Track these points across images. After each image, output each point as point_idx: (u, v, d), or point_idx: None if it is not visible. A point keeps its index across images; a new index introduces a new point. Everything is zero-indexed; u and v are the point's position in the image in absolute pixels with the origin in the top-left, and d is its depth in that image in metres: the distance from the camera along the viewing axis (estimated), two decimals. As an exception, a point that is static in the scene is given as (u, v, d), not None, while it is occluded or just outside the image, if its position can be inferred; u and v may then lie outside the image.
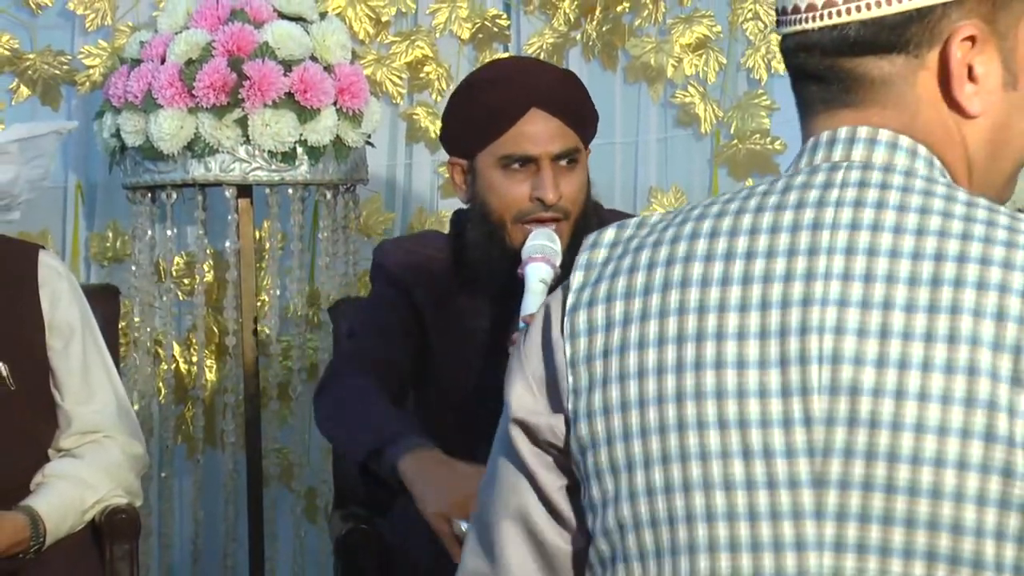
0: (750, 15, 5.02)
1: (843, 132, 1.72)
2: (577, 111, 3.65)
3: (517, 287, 3.42)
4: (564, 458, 1.73)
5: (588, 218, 3.62)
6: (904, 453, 1.59)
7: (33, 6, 4.87)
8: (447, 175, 4.84)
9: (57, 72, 4.88)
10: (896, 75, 1.71)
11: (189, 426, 4.80)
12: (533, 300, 3.35)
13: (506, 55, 4.86)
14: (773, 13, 4.79)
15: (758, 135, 5.01)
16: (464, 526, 3.23)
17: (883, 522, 1.60)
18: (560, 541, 1.76)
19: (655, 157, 5.04)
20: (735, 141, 5.01)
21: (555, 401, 1.73)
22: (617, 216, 3.76)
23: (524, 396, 1.76)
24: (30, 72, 4.86)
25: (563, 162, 3.59)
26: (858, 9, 1.70)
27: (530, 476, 1.75)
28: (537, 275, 3.40)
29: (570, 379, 1.71)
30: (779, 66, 4.98)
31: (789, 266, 1.65)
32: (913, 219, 1.64)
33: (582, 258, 1.75)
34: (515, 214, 3.56)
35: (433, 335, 3.71)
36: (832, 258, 1.64)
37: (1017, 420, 1.58)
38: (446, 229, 4.54)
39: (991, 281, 1.60)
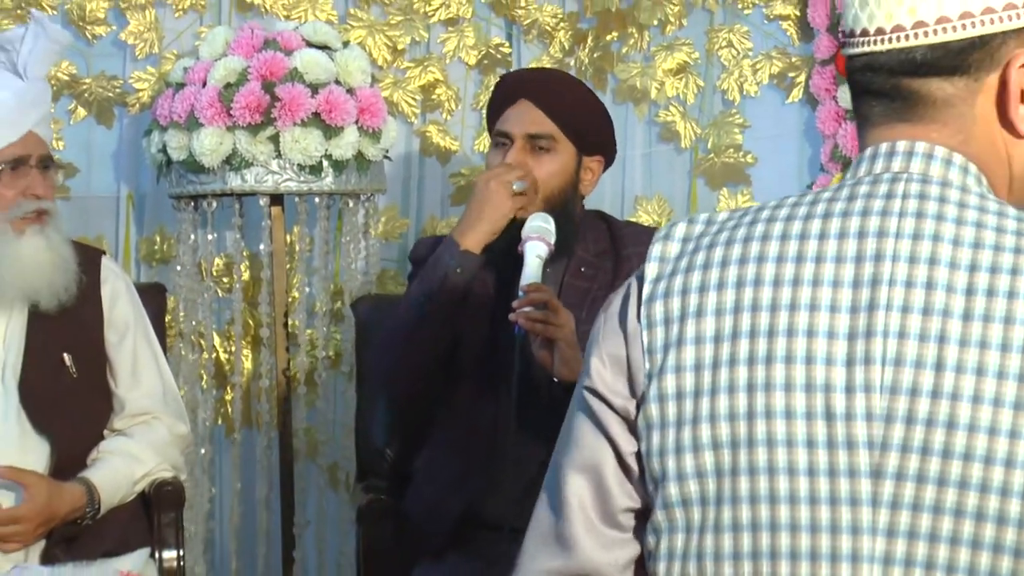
0: (724, 43, 5.00)
1: (901, 145, 1.72)
2: (560, 107, 3.69)
3: (515, 258, 3.46)
4: (634, 430, 1.73)
5: (568, 206, 3.68)
6: (957, 450, 1.59)
7: (89, 36, 4.87)
8: (456, 186, 4.90)
9: (110, 95, 4.88)
10: (957, 96, 1.71)
11: (228, 408, 4.81)
12: (531, 272, 3.41)
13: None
14: (746, 42, 4.85)
15: (732, 149, 4.99)
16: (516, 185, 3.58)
17: (933, 512, 1.60)
18: (627, 500, 1.75)
19: (640, 169, 5.03)
20: (711, 155, 5.00)
21: (630, 383, 1.72)
22: (633, 228, 3.82)
23: (602, 371, 1.75)
24: (86, 95, 4.86)
25: (534, 144, 3.66)
26: (925, 35, 1.70)
27: (610, 439, 1.74)
28: (534, 252, 3.44)
29: (647, 364, 1.70)
30: (751, 89, 4.98)
31: (857, 271, 1.65)
32: (970, 232, 1.64)
33: (655, 250, 1.74)
34: None
35: (459, 316, 3.73)
36: (896, 265, 1.64)
37: None
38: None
39: None
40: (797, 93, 4.99)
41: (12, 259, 3.73)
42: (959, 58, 1.70)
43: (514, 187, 3.54)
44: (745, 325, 1.67)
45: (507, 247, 3.56)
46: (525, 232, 3.48)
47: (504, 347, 3.52)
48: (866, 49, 1.74)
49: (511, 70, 4.78)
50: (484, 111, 4.00)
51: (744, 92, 5.00)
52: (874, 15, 1.73)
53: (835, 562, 1.62)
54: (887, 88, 1.73)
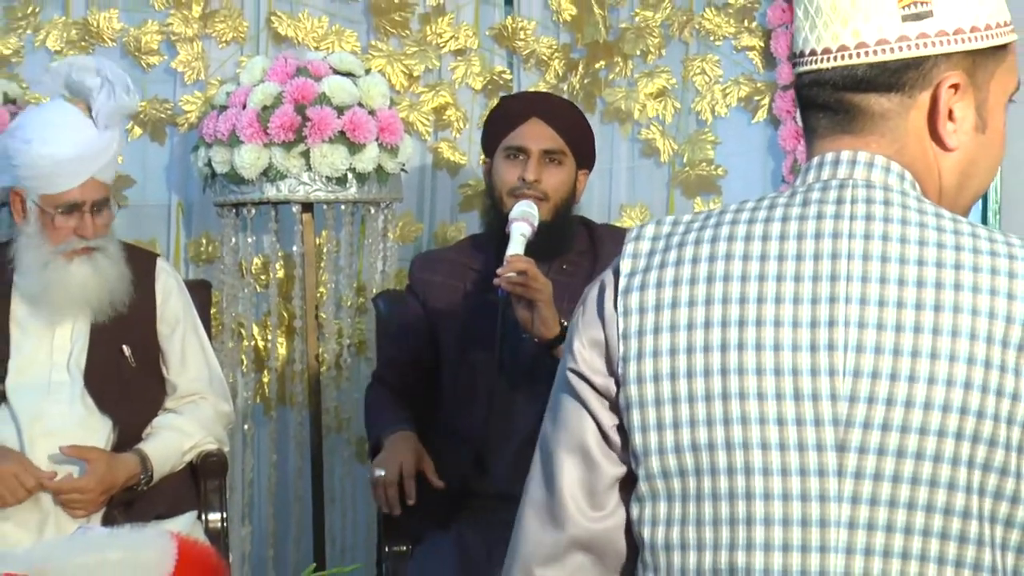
0: (698, 71, 5.00)
1: (845, 155, 1.71)
2: (567, 127, 3.76)
3: (507, 242, 3.52)
4: (615, 407, 1.71)
5: (569, 211, 3.76)
6: (913, 425, 1.59)
7: (144, 65, 4.86)
8: (463, 195, 4.90)
9: (162, 116, 4.87)
10: (892, 110, 1.71)
11: (265, 389, 4.80)
12: (514, 247, 3.48)
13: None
14: (717, 69, 4.85)
15: (705, 163, 4.99)
16: (377, 472, 3.60)
17: (893, 480, 1.60)
18: (613, 469, 1.73)
19: (625, 180, 5.02)
20: (687, 168, 5.00)
21: (608, 364, 1.71)
22: (611, 229, 3.86)
23: (583, 352, 1.73)
24: (142, 116, 4.85)
25: (549, 158, 3.71)
26: (866, 54, 1.69)
27: (593, 415, 1.73)
28: (519, 231, 3.51)
29: (622, 348, 1.69)
30: (721, 110, 4.99)
31: (816, 268, 1.65)
32: (914, 232, 1.64)
33: (628, 248, 1.73)
34: (508, 189, 3.70)
35: (439, 320, 3.80)
36: (852, 262, 1.63)
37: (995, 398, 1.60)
38: (463, 236, 4.61)
39: (980, 285, 1.61)
40: (762, 114, 5.00)
41: (61, 284, 3.77)
42: (895, 76, 1.70)
43: (524, 234, 3.54)
44: (717, 315, 1.66)
45: (501, 227, 3.61)
46: (512, 214, 3.55)
47: (488, 315, 3.62)
48: (814, 67, 1.73)
49: (511, 93, 4.76)
50: (483, 128, 3.99)
51: (715, 113, 5.01)
52: (821, 37, 1.72)
53: (806, 527, 1.62)
54: (831, 101, 1.73)
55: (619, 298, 1.71)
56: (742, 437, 1.64)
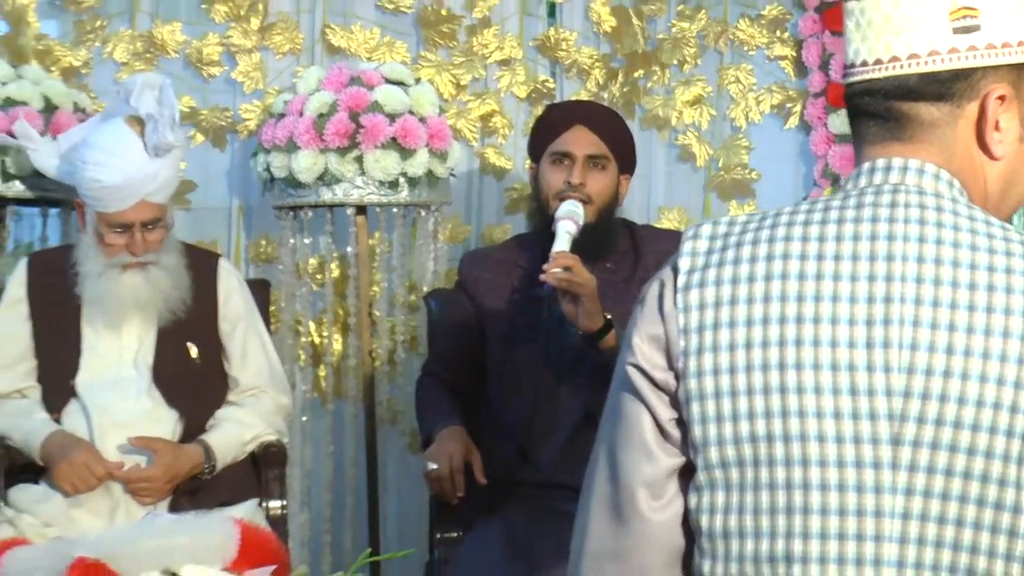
0: (733, 79, 4.99)
1: (897, 161, 1.71)
2: (610, 133, 3.75)
3: (552, 241, 3.52)
4: (674, 401, 1.70)
5: (612, 214, 3.76)
6: (966, 422, 1.59)
7: (206, 75, 4.87)
8: (509, 198, 4.89)
9: (223, 123, 4.88)
10: (941, 119, 1.70)
11: (322, 383, 4.80)
12: (560, 244, 3.48)
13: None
14: (751, 78, 4.84)
15: (739, 168, 4.98)
16: (430, 465, 3.61)
17: (945, 474, 1.59)
18: (669, 460, 1.72)
19: (663, 184, 5.01)
20: (722, 172, 4.98)
21: (667, 358, 1.70)
22: (651, 230, 3.86)
23: (642, 347, 1.72)
24: (203, 123, 4.87)
25: (593, 163, 3.71)
26: (917, 64, 1.69)
27: (650, 409, 1.71)
28: (565, 228, 3.51)
29: (682, 343, 1.68)
30: (755, 117, 4.98)
31: (872, 268, 1.64)
32: (965, 236, 1.64)
33: (686, 246, 1.72)
34: (554, 192, 3.69)
35: (487, 316, 3.80)
36: (906, 264, 1.63)
37: None
38: (509, 237, 4.61)
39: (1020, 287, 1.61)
40: (793, 120, 4.98)
41: (114, 294, 3.79)
42: (944, 87, 1.69)
43: (570, 232, 3.52)
44: (775, 312, 1.65)
45: (547, 228, 3.61)
46: (558, 214, 3.55)
47: (533, 308, 3.66)
48: (865, 77, 1.73)
49: (556, 101, 4.75)
50: (530, 134, 3.96)
51: (749, 120, 5.00)
52: (873, 48, 1.72)
53: (861, 516, 1.61)
54: (882, 110, 1.72)
55: (679, 295, 1.70)
56: (799, 429, 1.62)
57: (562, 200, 3.61)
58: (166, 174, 3.74)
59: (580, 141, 3.70)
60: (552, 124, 3.78)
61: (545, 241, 3.59)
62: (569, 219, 3.52)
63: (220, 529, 3.03)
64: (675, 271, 1.72)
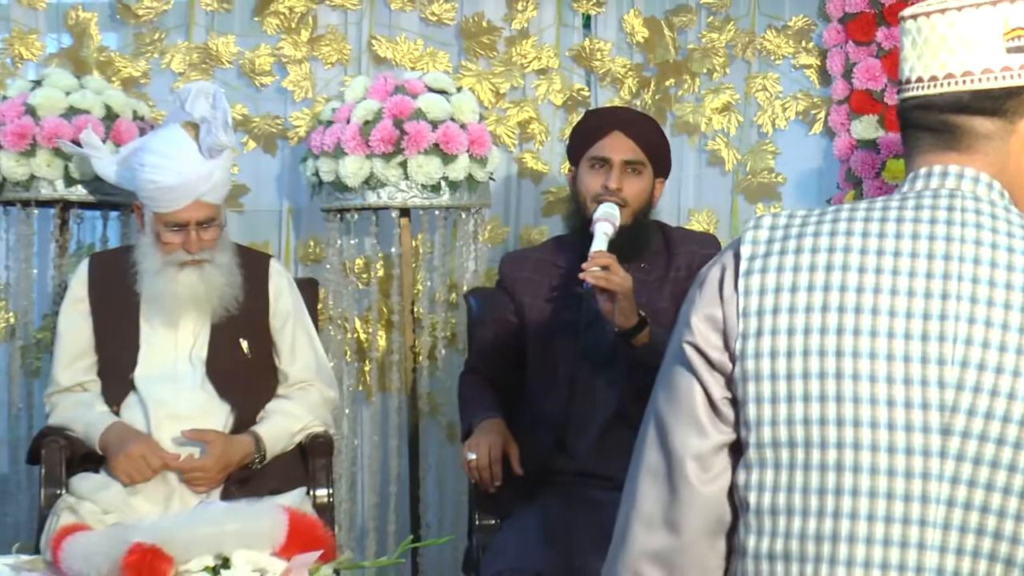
0: (760, 87, 4.98)
1: (953, 168, 1.72)
2: (646, 139, 3.72)
3: (590, 241, 3.51)
4: (728, 380, 1.71)
5: (647, 216, 3.74)
6: (1015, 417, 1.60)
7: (258, 84, 4.89)
8: (546, 201, 4.88)
9: (274, 130, 4.89)
10: (995, 133, 1.71)
11: (367, 377, 4.80)
12: (598, 243, 3.47)
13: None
14: (777, 86, 4.82)
15: (766, 172, 4.97)
16: (470, 455, 3.60)
17: (991, 465, 1.60)
18: (718, 436, 1.72)
19: (692, 187, 5.01)
20: (749, 176, 4.97)
21: (724, 339, 1.71)
22: (683, 232, 3.85)
23: (699, 327, 1.72)
24: (256, 130, 4.88)
25: (629, 168, 3.68)
26: (971, 81, 1.70)
27: (703, 386, 1.72)
28: (602, 229, 3.50)
29: (741, 325, 1.69)
30: (781, 123, 5.00)
31: (930, 266, 1.65)
32: (1019, 243, 1.65)
33: (748, 235, 1.73)
34: (592, 195, 3.67)
35: (528, 314, 3.78)
36: (963, 264, 1.64)
37: None
38: (544, 239, 4.60)
39: None
40: (818, 127, 4.98)
41: (171, 292, 3.80)
42: (997, 103, 1.71)
43: (607, 233, 3.51)
44: (834, 301, 1.65)
45: (584, 229, 3.61)
46: (596, 216, 3.54)
47: (572, 306, 3.65)
48: (920, 92, 1.74)
49: (592, 108, 4.73)
50: (568, 140, 3.93)
51: (775, 126, 5.00)
52: (929, 65, 1.73)
53: (908, 501, 1.61)
54: (936, 123, 1.73)
55: (740, 279, 1.70)
56: (853, 414, 1.63)
57: (599, 203, 3.60)
58: (219, 175, 3.75)
59: (617, 147, 3.69)
60: (591, 130, 3.76)
61: (583, 242, 3.58)
62: (606, 221, 3.52)
63: (269, 516, 3.02)
64: (737, 257, 1.72)
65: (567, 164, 3.98)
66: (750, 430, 1.68)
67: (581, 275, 3.36)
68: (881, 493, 1.61)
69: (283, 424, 3.87)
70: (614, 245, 3.48)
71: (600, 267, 3.36)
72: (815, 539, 1.64)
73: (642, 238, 3.69)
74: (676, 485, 1.72)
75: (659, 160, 3.75)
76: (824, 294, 1.66)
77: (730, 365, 1.70)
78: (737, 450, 1.71)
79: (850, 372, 1.63)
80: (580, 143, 3.76)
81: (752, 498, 1.68)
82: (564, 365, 3.67)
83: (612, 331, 3.46)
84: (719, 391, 1.71)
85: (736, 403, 1.70)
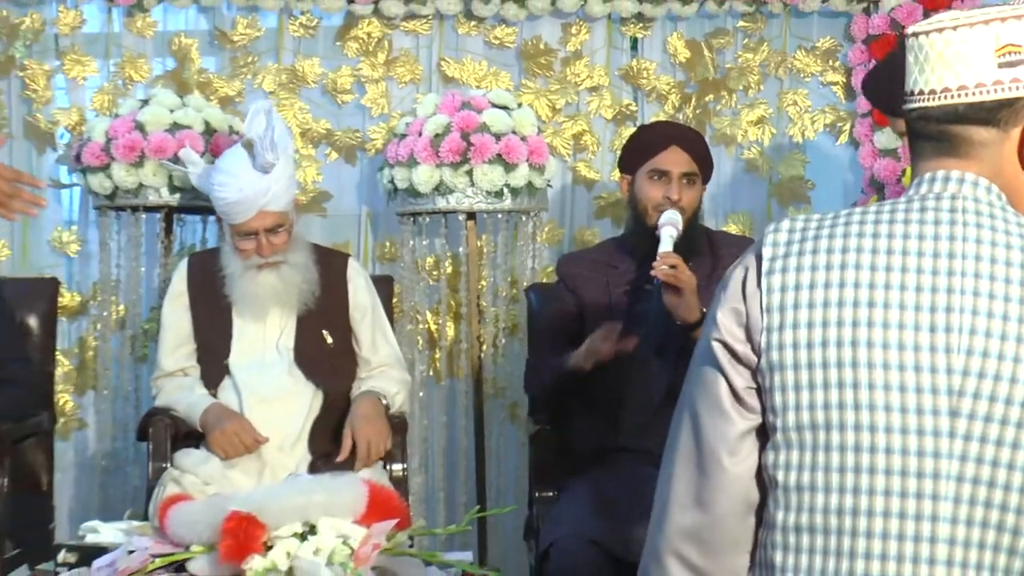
0: (791, 102, 4.95)
1: (954, 174, 1.71)
2: (699, 153, 3.71)
3: (652, 248, 3.48)
4: (752, 371, 1.71)
5: (697, 222, 3.71)
6: (1017, 399, 1.60)
7: (339, 102, 4.89)
8: (597, 205, 4.86)
9: (354, 143, 4.90)
10: (990, 141, 1.70)
11: (437, 364, 4.80)
12: (665, 245, 3.45)
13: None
14: (806, 101, 4.79)
15: (796, 178, 4.94)
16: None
17: (996, 444, 1.60)
18: (743, 423, 1.72)
19: (730, 193, 4.97)
20: (782, 182, 4.94)
21: (747, 333, 1.70)
22: (725, 235, 3.88)
23: (725, 323, 1.72)
24: (337, 143, 4.88)
25: (686, 180, 3.66)
26: (966, 95, 1.69)
27: (727, 377, 1.72)
28: (668, 232, 3.48)
29: (764, 320, 1.68)
30: (810, 134, 4.98)
31: (935, 264, 1.65)
32: (1017, 240, 1.66)
33: (768, 237, 1.73)
34: (653, 205, 3.64)
35: (589, 311, 3.72)
36: (966, 261, 1.64)
37: None
38: (598, 241, 4.59)
39: None
40: (844, 137, 4.94)
41: (252, 292, 3.81)
42: (991, 113, 1.69)
43: (672, 236, 3.48)
44: (849, 297, 1.65)
45: (645, 235, 3.60)
46: (662, 221, 3.53)
47: (643, 299, 3.61)
48: (921, 104, 1.73)
49: (642, 123, 4.69)
50: (622, 151, 3.84)
51: (805, 137, 4.97)
52: (929, 80, 1.71)
53: (921, 477, 1.61)
54: (935, 132, 1.72)
55: (763, 278, 1.70)
56: (869, 399, 1.63)
57: (662, 211, 3.59)
58: (277, 187, 3.74)
59: (676, 160, 3.66)
60: (649, 144, 3.73)
61: (642, 244, 3.61)
62: (671, 225, 3.51)
63: (351, 488, 3.02)
64: (759, 258, 1.72)
65: (617, 171, 3.95)
66: (777, 415, 1.68)
67: (653, 272, 3.37)
68: (896, 470, 1.61)
69: (380, 385, 3.90)
70: (676, 247, 3.48)
71: (669, 265, 3.36)
72: (838, 513, 1.64)
73: (694, 241, 3.67)
74: (707, 468, 1.72)
75: (707, 170, 3.75)
76: (840, 291, 1.66)
77: (754, 357, 1.70)
78: (764, 434, 1.71)
79: (865, 361, 1.63)
80: (638, 155, 3.73)
81: (780, 476, 1.68)
82: (620, 353, 3.64)
83: (676, 324, 3.45)
84: (742, 382, 1.71)
85: (761, 391, 1.70)
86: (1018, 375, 1.60)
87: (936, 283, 1.63)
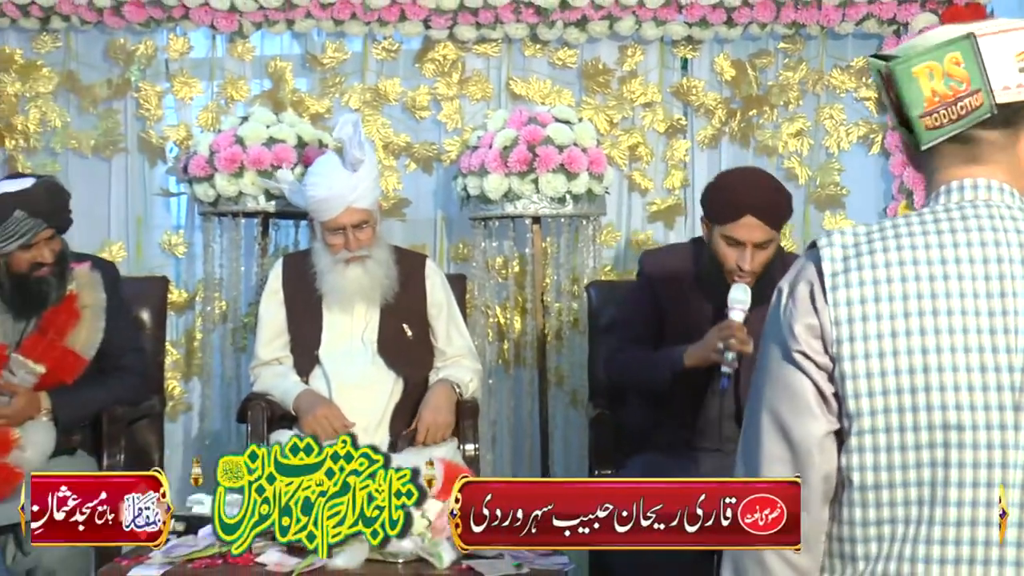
0: (827, 116, 4.87)
1: (981, 181, 1.68)
2: (777, 217, 3.44)
3: (725, 290, 3.33)
4: (831, 378, 1.67)
5: (770, 271, 3.41)
6: None
7: (418, 117, 4.88)
8: (650, 210, 4.81)
9: (430, 154, 4.89)
10: (1007, 143, 1.67)
11: (505, 355, 4.78)
12: (736, 317, 3.28)
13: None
14: (842, 115, 4.72)
15: (832, 185, 4.87)
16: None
17: None
18: (827, 425, 1.68)
19: (772, 199, 4.91)
20: (819, 189, 4.87)
21: (823, 344, 1.67)
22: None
23: (803, 335, 1.68)
24: (415, 154, 4.88)
25: (760, 247, 3.40)
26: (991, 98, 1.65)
27: (814, 383, 1.68)
28: (735, 314, 3.29)
29: (835, 332, 1.65)
30: (845, 146, 4.90)
31: (987, 269, 1.62)
32: None
33: (825, 252, 1.68)
34: (728, 268, 3.40)
35: (668, 310, 3.60)
36: (1014, 265, 1.62)
37: None
38: (651, 244, 4.55)
39: None
40: (876, 148, 4.87)
41: (340, 285, 3.81)
42: (1013, 115, 1.66)
43: (738, 318, 3.28)
44: (913, 307, 1.63)
45: (718, 286, 3.41)
46: (731, 300, 3.31)
47: (710, 319, 3.43)
48: None
49: (729, 170, 3.93)
50: (704, 201, 3.53)
51: (840, 148, 4.90)
52: None
53: (991, 468, 1.60)
54: (960, 136, 1.68)
55: (828, 293, 1.67)
56: (940, 401, 1.60)
57: (733, 281, 3.37)
58: (363, 185, 3.75)
59: (750, 232, 3.38)
60: (726, 209, 3.42)
61: (717, 282, 3.42)
62: (739, 308, 3.30)
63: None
64: (820, 274, 1.68)
65: (669, 178, 3.87)
66: (852, 420, 1.65)
67: (724, 369, 3.22)
68: (968, 463, 1.59)
69: (455, 374, 3.89)
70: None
71: (736, 354, 3.22)
72: (917, 504, 1.62)
73: (765, 290, 3.29)
74: (803, 468, 1.68)
75: (783, 223, 3.49)
76: (904, 302, 1.63)
77: (831, 365, 1.66)
78: (838, 437, 1.68)
79: (934, 366, 1.60)
80: (715, 215, 3.45)
81: (856, 477, 1.65)
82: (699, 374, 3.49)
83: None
84: (827, 387, 1.67)
85: (837, 397, 1.67)
86: None
87: (990, 288, 1.61)
